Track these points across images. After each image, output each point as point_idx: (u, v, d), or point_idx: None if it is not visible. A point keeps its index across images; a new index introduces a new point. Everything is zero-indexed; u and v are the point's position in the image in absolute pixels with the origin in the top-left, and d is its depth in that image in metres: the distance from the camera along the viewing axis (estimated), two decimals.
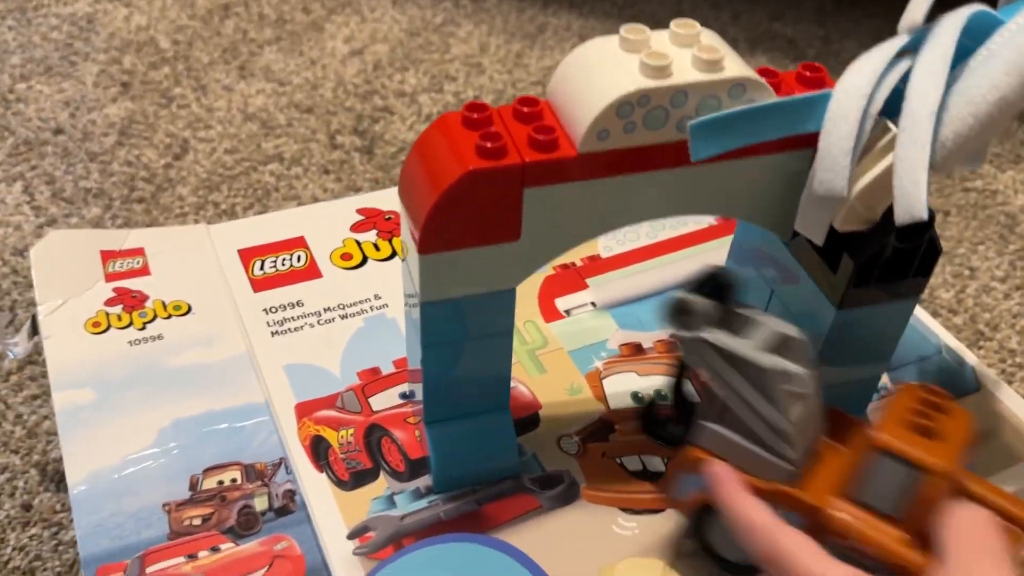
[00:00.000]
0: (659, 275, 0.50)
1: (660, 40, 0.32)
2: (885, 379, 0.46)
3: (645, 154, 0.32)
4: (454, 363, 0.37)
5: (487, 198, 0.32)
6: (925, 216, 0.29)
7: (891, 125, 0.32)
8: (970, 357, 0.47)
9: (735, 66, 0.32)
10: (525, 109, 0.33)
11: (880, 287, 0.35)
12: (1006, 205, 0.74)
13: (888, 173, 0.31)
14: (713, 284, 0.34)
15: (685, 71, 0.31)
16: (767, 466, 0.33)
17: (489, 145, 0.31)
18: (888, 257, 0.34)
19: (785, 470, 0.33)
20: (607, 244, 0.52)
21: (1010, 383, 0.59)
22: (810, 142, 0.32)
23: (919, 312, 0.50)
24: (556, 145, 0.32)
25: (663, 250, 0.52)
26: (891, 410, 0.32)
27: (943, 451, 0.31)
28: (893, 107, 0.31)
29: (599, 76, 0.32)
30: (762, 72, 0.35)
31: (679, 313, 0.33)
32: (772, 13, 0.97)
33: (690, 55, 0.32)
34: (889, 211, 0.32)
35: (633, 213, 0.34)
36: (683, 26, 0.33)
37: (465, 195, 0.31)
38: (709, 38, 0.33)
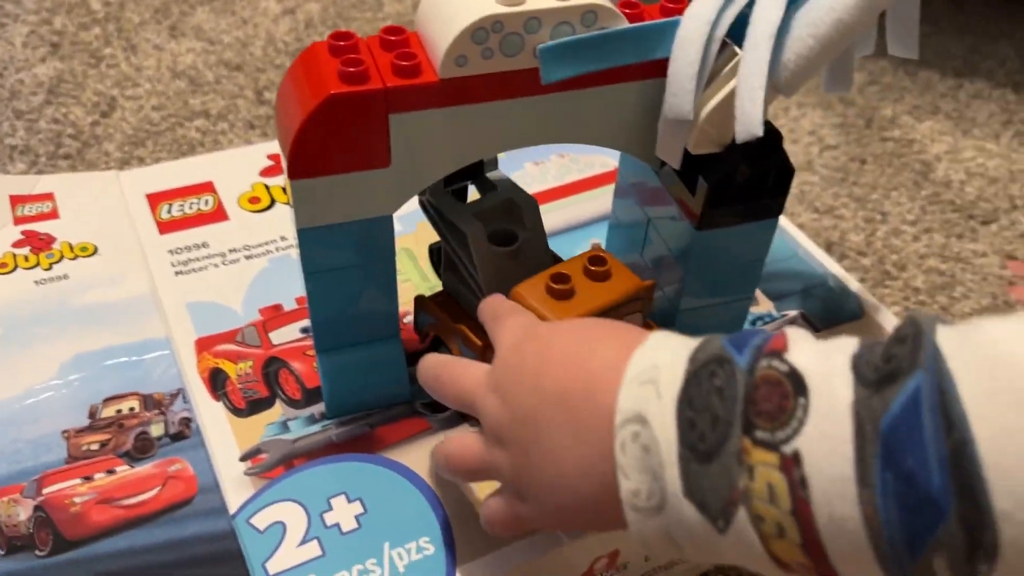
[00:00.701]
0: (561, 215, 0.52)
1: None
2: (772, 308, 0.48)
3: (505, 80, 0.34)
4: (338, 291, 0.38)
5: (352, 123, 0.33)
6: (761, 133, 0.31)
7: (737, 50, 0.33)
8: (854, 285, 0.49)
9: None
10: (391, 38, 0.34)
11: (736, 207, 0.36)
12: (922, 154, 0.76)
13: (733, 95, 0.33)
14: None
15: None
16: (472, 305, 0.39)
17: (352, 70, 0.32)
18: (742, 178, 0.35)
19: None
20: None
21: None
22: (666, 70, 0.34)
23: (809, 245, 0.51)
24: (418, 71, 0.33)
25: (564, 193, 0.54)
26: (550, 272, 0.37)
27: (564, 309, 0.35)
28: (742, 33, 0.33)
29: (457, 3, 0.33)
30: (623, 4, 0.37)
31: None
32: None
33: None
34: None
35: (500, 140, 0.36)
36: None
37: (329, 120, 0.32)
38: None
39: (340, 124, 0.33)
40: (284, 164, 0.34)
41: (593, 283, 0.37)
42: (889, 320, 0.47)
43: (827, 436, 0.22)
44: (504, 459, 0.30)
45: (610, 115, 0.37)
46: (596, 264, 0.37)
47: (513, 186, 0.42)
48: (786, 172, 0.36)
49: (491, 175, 0.43)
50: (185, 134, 0.70)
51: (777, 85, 0.33)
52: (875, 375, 0.22)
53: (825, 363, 0.23)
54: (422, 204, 0.42)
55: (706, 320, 0.41)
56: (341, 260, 0.37)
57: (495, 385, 0.31)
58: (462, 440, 0.33)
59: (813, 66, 0.32)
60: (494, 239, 0.40)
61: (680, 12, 0.37)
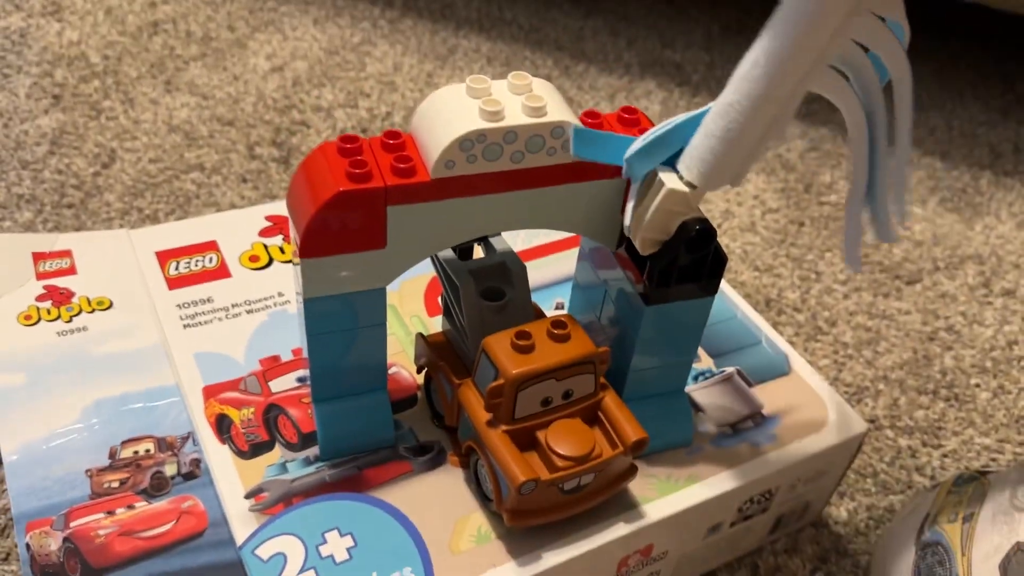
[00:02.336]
0: (531, 275, 0.58)
1: (499, 88, 0.40)
2: (712, 365, 0.54)
3: (486, 180, 0.40)
4: (336, 350, 0.44)
5: (356, 213, 0.39)
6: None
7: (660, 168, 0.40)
8: (784, 345, 0.56)
9: (556, 111, 0.40)
10: (390, 141, 0.40)
11: (679, 288, 0.43)
12: None
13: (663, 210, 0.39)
14: None
15: (515, 115, 0.39)
16: (463, 352, 0.46)
17: (357, 171, 0.39)
18: (682, 264, 0.42)
19: (467, 355, 0.46)
20: None
21: (840, 371, 0.68)
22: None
23: (746, 307, 0.58)
24: (413, 172, 0.39)
25: (535, 255, 0.60)
26: (516, 329, 0.43)
27: (522, 361, 0.42)
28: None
29: (447, 117, 0.39)
30: (587, 114, 0.43)
31: None
32: (664, 40, 1.06)
33: (520, 102, 0.39)
34: (681, 227, 0.41)
35: (480, 227, 0.42)
36: (518, 77, 0.40)
37: (336, 210, 0.39)
38: (539, 88, 0.41)
39: (346, 214, 0.39)
40: (295, 244, 0.40)
41: (552, 343, 0.43)
42: (813, 378, 0.54)
43: None
44: None
45: (574, 206, 0.43)
46: (558, 327, 0.43)
47: (510, 252, 0.48)
48: (720, 260, 0.42)
49: (494, 240, 0.49)
50: (181, 186, 0.76)
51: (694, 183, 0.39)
52: None
53: None
54: (432, 258, 0.48)
55: (654, 378, 0.47)
56: (340, 324, 0.43)
57: None
58: None
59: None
60: (485, 294, 0.46)
61: (635, 121, 0.44)
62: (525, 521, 0.43)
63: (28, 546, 0.42)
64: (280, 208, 0.61)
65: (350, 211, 0.39)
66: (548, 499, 0.43)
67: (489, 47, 1.00)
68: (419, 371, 0.50)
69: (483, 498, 0.45)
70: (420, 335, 0.49)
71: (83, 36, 0.93)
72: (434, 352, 0.48)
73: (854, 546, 0.55)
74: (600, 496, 0.45)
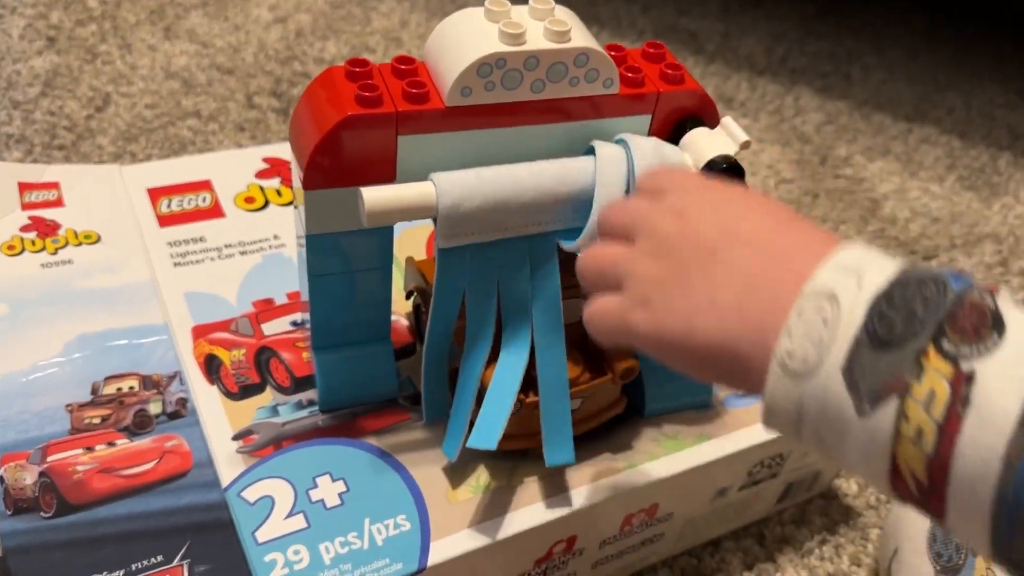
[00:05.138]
0: None
1: (519, 13, 0.38)
2: None
3: (504, 110, 0.38)
4: (338, 294, 0.42)
5: (364, 142, 0.37)
6: None
7: None
8: None
9: (581, 38, 0.37)
10: (402, 67, 0.38)
11: None
12: (871, 192, 0.82)
13: None
14: None
15: (537, 40, 0.37)
16: None
17: (367, 95, 0.36)
18: None
19: None
20: None
21: None
22: None
23: None
24: (427, 98, 0.37)
25: None
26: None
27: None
28: None
29: (464, 40, 0.37)
30: (610, 47, 0.41)
31: None
32: (680, 8, 1.04)
33: (542, 27, 0.37)
34: (708, 163, 0.38)
35: (496, 163, 0.40)
36: (540, 1, 0.38)
37: (344, 137, 0.36)
38: (561, 13, 0.38)
39: (354, 142, 0.36)
40: (298, 174, 0.38)
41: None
42: None
43: (1008, 372, 0.24)
44: (651, 268, 0.31)
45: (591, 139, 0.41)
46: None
47: None
48: None
49: None
50: (177, 133, 0.73)
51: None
52: None
53: None
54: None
55: None
56: (344, 265, 0.41)
57: (674, 205, 0.32)
58: (602, 247, 0.34)
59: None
60: None
61: (660, 56, 0.42)
62: (509, 444, 0.41)
63: (2, 479, 0.39)
64: (278, 151, 0.59)
65: (359, 138, 0.36)
66: (532, 423, 0.41)
67: None
68: (408, 296, 0.47)
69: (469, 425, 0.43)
70: (410, 259, 0.46)
71: None
72: (425, 279, 0.45)
73: (864, 519, 0.53)
74: (586, 425, 0.43)
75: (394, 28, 0.91)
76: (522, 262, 0.40)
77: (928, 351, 0.24)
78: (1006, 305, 0.25)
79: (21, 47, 0.80)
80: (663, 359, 0.31)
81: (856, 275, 0.26)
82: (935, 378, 0.24)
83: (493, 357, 0.41)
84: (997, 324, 0.24)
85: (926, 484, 0.24)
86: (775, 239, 0.29)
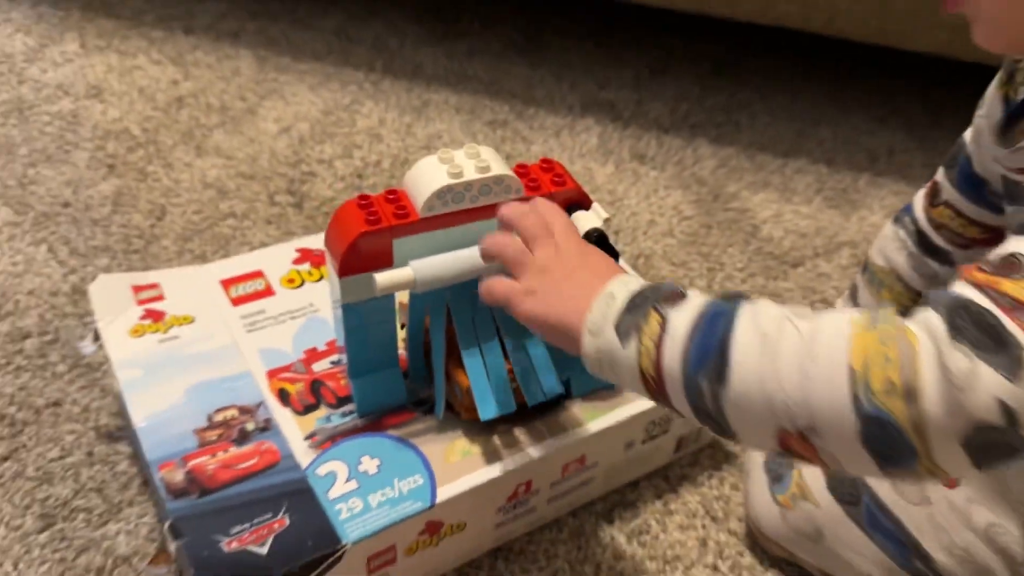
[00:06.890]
0: None
1: (459, 156, 0.62)
2: None
3: (455, 216, 0.61)
4: (363, 338, 0.65)
5: (372, 245, 0.60)
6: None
7: None
8: None
9: (498, 167, 0.61)
10: (391, 196, 0.62)
11: None
12: (753, 219, 1.06)
13: None
14: None
15: (471, 172, 0.60)
16: None
17: (371, 217, 0.60)
18: None
19: None
20: None
21: None
22: None
23: None
24: (408, 214, 0.61)
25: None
26: None
27: None
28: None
29: (427, 177, 0.61)
30: (518, 167, 0.64)
31: None
32: (599, 83, 1.28)
33: (473, 164, 0.61)
34: (585, 235, 0.62)
35: (453, 246, 0.63)
36: (471, 148, 0.62)
37: (360, 244, 0.60)
38: (485, 153, 0.62)
39: (366, 246, 0.60)
40: (333, 266, 0.61)
41: None
42: None
43: (683, 316, 0.46)
44: (536, 276, 0.54)
45: None
46: None
47: None
48: (614, 254, 0.64)
49: None
50: (220, 231, 0.96)
51: None
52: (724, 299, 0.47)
53: (699, 296, 0.48)
54: None
55: None
56: (366, 320, 0.64)
57: (547, 253, 0.55)
58: (518, 242, 0.56)
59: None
60: None
61: (550, 168, 0.65)
62: (472, 414, 0.64)
63: (163, 478, 0.62)
64: (306, 243, 0.82)
65: (368, 244, 0.60)
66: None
67: (456, 99, 1.21)
68: (402, 327, 0.69)
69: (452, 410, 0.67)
70: (402, 303, 0.68)
71: (123, 113, 1.13)
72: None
73: (739, 460, 0.77)
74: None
75: (375, 126, 1.15)
76: (463, 290, 0.63)
77: (650, 311, 0.48)
78: (693, 292, 0.49)
79: (89, 175, 1.03)
80: (533, 327, 0.54)
81: (625, 285, 0.51)
82: (652, 323, 0.48)
83: (450, 347, 0.65)
84: (684, 297, 0.48)
85: (654, 380, 0.47)
86: (595, 267, 0.54)
